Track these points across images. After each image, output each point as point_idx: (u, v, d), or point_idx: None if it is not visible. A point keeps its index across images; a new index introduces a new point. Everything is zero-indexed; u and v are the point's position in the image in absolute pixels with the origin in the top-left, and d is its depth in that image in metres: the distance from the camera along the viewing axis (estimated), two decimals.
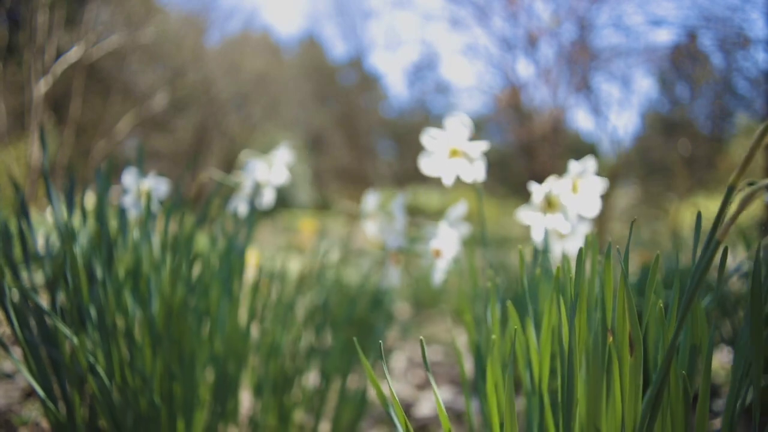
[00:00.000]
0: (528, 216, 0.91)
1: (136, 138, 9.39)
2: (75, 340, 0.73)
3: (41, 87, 4.58)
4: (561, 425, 0.43)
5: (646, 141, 9.21)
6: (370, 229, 1.26)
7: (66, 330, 0.73)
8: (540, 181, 0.98)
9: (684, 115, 6.60)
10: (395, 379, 1.73)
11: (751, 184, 0.40)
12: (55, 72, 4.85)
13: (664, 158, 7.97)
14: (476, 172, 0.95)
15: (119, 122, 6.93)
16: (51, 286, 0.78)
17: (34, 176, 4.27)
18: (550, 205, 0.86)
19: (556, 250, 0.99)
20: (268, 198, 1.19)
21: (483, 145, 0.95)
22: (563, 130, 8.01)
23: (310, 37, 14.83)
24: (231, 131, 10.29)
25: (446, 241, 1.06)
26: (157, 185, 1.01)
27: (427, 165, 0.95)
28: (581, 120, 12.93)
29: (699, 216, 0.56)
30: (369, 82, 13.96)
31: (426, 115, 13.44)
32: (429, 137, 0.95)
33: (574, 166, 0.92)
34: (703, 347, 0.50)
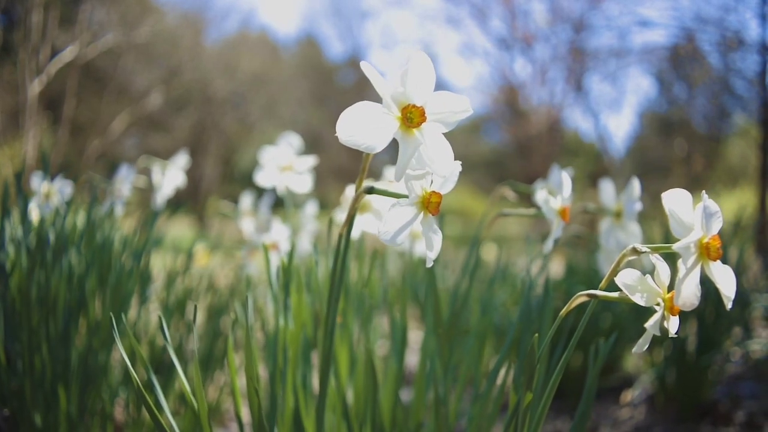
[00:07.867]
0: (341, 217, 1.01)
1: (134, 137, 9.37)
2: None
3: (36, 86, 4.56)
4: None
5: (644, 140, 9.21)
6: (246, 226, 1.36)
7: None
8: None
9: (681, 115, 6.60)
10: None
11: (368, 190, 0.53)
12: (50, 71, 4.83)
13: (662, 157, 7.96)
14: (304, 184, 1.10)
15: (114, 121, 6.91)
16: None
17: (28, 175, 4.25)
18: (363, 207, 0.94)
19: (416, 249, 1.14)
20: (160, 200, 1.27)
21: (310, 161, 1.08)
22: (560, 130, 8.00)
23: (308, 36, 14.82)
24: (228, 130, 10.27)
25: (280, 236, 1.19)
26: (63, 187, 1.13)
27: (261, 178, 1.08)
28: (579, 120, 12.94)
29: None
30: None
31: None
32: (263, 154, 1.07)
33: (389, 171, 1.06)
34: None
